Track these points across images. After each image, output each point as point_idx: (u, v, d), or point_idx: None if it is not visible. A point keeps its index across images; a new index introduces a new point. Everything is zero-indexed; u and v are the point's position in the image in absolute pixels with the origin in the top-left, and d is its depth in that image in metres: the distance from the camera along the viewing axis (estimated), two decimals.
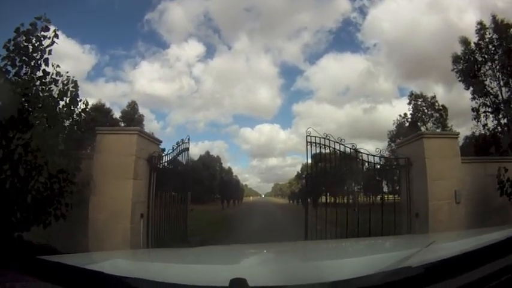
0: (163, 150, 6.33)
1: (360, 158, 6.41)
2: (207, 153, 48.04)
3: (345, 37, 37.64)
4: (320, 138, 6.32)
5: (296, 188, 58.01)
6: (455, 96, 24.29)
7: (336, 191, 7.51)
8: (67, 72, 4.74)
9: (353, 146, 6.38)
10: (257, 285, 0.87)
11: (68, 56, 33.42)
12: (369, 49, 33.05)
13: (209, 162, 46.69)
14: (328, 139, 6.33)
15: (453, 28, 29.70)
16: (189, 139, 7.02)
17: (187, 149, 7.05)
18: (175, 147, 6.54)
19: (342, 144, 6.29)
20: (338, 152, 6.33)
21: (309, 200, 7.78)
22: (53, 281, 0.94)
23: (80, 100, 4.91)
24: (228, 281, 0.82)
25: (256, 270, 1.42)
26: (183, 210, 6.63)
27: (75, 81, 4.82)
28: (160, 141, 6.35)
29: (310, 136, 6.36)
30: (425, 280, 0.87)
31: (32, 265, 1.03)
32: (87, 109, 5.21)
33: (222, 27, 46.97)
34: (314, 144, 6.37)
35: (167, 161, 6.30)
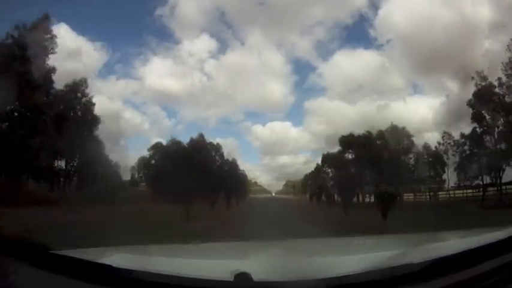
0: None
1: None
2: (201, 136, 36.68)
3: (359, 33, 41.66)
4: None
5: (317, 183, 47.17)
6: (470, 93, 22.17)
7: None
8: None
9: None
10: (261, 280, 0.90)
11: (80, 53, 31.42)
12: (382, 45, 35.86)
13: (203, 147, 35.67)
14: None
15: (468, 24, 28.21)
16: None
17: None
18: None
19: None
20: None
21: None
22: (65, 274, 0.97)
23: None
24: (233, 275, 0.86)
25: (260, 265, 1.51)
26: None
27: None
28: None
29: None
30: (424, 277, 0.89)
31: (44, 259, 1.05)
32: None
33: (235, 21, 44.15)
34: None
35: None
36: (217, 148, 44.03)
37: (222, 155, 43.87)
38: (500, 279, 0.95)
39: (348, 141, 31.06)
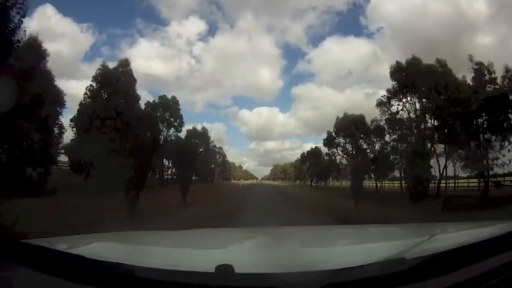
0: None
1: None
2: (125, 62, 20.36)
3: (350, 20, 39.87)
4: None
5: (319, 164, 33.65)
6: None
7: None
8: None
9: None
10: (244, 272, 0.87)
11: (65, 35, 32.03)
12: (373, 34, 37.37)
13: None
14: None
15: (461, 14, 27.49)
16: None
17: None
18: None
19: None
20: None
21: None
22: (32, 266, 0.93)
23: None
24: (214, 267, 0.82)
25: (245, 256, 1.41)
26: None
27: None
28: None
29: None
30: (414, 275, 0.85)
31: (13, 249, 0.99)
32: None
33: (225, 3, 54.47)
34: None
35: None
36: (168, 103, 28.01)
37: (177, 113, 27.99)
38: (504, 278, 0.88)
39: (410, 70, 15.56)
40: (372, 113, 24.54)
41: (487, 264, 0.88)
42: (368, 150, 26.39)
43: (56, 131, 15.59)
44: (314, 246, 1.58)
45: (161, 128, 26.35)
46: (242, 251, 1.57)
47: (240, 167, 76.04)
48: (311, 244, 1.66)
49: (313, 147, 41.05)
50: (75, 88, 34.70)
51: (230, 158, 54.12)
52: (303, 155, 44.83)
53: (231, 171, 60.63)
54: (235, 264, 0.81)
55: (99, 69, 17.27)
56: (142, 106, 21.19)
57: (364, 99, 39.35)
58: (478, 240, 1.03)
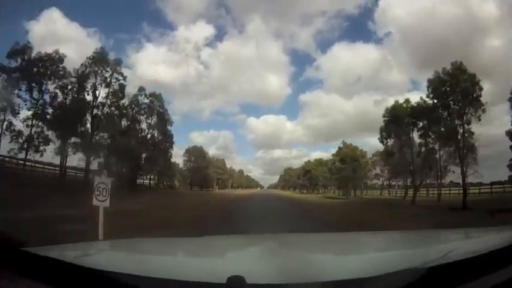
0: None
1: None
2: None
3: (359, 25, 42.12)
4: None
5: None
6: None
7: None
8: None
9: None
10: (256, 283, 0.86)
11: (72, 39, 30.35)
12: (382, 39, 37.92)
13: None
14: None
15: (471, 17, 27.86)
16: None
17: None
18: None
19: None
20: None
21: None
22: (31, 276, 0.89)
23: None
24: (226, 278, 0.81)
25: (255, 265, 1.38)
26: None
27: None
28: None
29: None
30: (433, 285, 0.81)
31: (14, 258, 0.94)
32: None
33: (234, 7, 46.53)
34: None
35: None
36: None
37: None
38: None
39: None
40: (379, 121, 21.55)
41: (505, 273, 0.83)
42: None
43: None
44: (323, 255, 1.57)
45: None
46: (252, 260, 1.54)
47: (241, 171, 62.06)
48: (320, 252, 1.65)
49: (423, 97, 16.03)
50: None
51: (237, 166, 53.91)
52: (387, 122, 18.55)
53: (213, 171, 36.19)
54: (246, 275, 0.80)
55: None
56: None
57: (372, 106, 35.52)
58: (492, 247, 0.98)
